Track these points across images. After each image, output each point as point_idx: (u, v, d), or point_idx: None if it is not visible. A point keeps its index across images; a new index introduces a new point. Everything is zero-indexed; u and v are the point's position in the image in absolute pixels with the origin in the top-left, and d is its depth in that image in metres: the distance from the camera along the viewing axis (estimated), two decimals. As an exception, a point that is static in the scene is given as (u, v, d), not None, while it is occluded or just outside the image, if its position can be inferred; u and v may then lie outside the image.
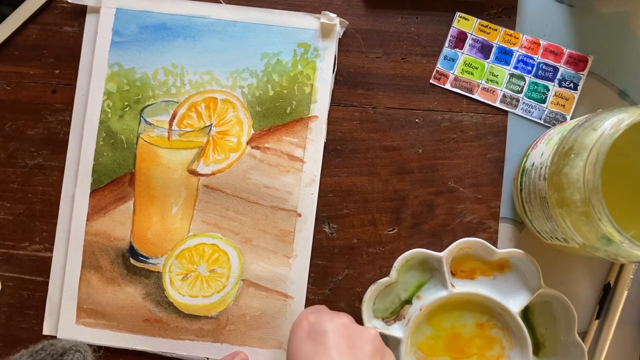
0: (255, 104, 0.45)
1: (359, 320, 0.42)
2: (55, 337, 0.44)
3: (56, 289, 0.44)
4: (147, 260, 0.44)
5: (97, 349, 0.44)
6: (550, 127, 0.44)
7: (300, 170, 0.44)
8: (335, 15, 0.44)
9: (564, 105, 0.45)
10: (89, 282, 0.44)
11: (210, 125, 0.45)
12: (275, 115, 0.45)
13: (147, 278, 0.44)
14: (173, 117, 0.45)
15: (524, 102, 0.45)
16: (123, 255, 0.44)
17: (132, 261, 0.44)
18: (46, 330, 0.44)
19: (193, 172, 0.45)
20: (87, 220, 0.44)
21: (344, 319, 0.38)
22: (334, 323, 0.38)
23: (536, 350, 0.43)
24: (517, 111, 0.45)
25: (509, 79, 0.45)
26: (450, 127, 0.45)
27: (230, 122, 0.45)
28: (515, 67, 0.45)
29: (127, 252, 0.44)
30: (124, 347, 0.44)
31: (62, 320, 0.44)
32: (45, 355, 0.37)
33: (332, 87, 0.45)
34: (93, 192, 0.45)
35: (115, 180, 0.45)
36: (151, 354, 0.44)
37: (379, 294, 0.44)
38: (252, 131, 0.45)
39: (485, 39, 0.45)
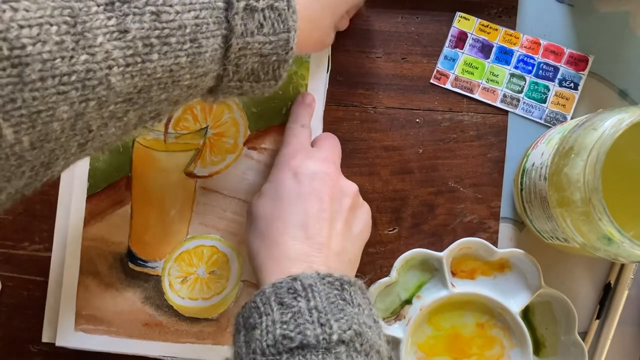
0: (251, 105, 0.44)
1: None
2: (53, 344, 0.44)
3: (54, 296, 0.44)
4: (146, 264, 0.44)
5: None
6: (551, 127, 0.44)
7: (298, 171, 0.44)
8: None
9: (564, 105, 0.44)
10: (87, 287, 0.44)
11: (207, 127, 0.44)
12: (271, 116, 0.44)
13: (146, 282, 0.44)
14: (169, 120, 0.44)
15: (524, 102, 0.44)
16: (121, 260, 0.44)
17: (131, 265, 0.44)
18: (45, 338, 0.44)
19: (190, 175, 0.44)
20: (85, 225, 0.44)
21: (332, 167, 0.39)
22: (321, 169, 0.38)
23: (536, 350, 0.44)
24: (518, 111, 0.44)
25: (510, 78, 0.44)
26: (450, 127, 0.45)
27: (227, 124, 0.44)
28: (516, 67, 0.45)
29: (126, 256, 0.44)
30: (124, 353, 0.43)
31: (61, 327, 0.43)
32: None
33: (327, 86, 0.44)
34: (90, 197, 0.44)
35: (112, 185, 0.44)
36: (152, 359, 0.44)
37: (379, 294, 0.43)
38: (249, 132, 0.44)
39: (486, 38, 0.45)
